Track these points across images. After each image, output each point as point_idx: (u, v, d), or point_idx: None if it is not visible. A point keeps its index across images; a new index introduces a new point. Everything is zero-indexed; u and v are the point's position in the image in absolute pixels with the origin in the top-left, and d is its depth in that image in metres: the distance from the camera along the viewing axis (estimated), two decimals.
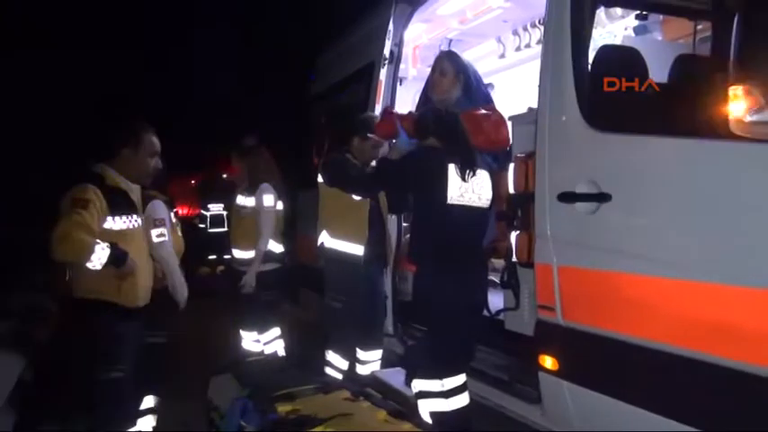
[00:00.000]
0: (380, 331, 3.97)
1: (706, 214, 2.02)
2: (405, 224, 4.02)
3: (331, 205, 3.83)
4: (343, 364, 3.83)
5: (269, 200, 4.46)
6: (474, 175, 2.93)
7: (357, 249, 3.73)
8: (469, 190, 2.93)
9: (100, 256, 2.68)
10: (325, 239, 3.87)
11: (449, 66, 3.44)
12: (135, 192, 3.01)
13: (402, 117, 3.41)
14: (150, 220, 3.25)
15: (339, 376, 3.75)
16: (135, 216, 2.96)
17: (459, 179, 2.89)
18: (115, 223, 2.84)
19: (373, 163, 3.78)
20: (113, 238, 2.79)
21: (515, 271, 3.20)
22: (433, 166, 2.91)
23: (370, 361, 3.93)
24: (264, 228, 4.41)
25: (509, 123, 3.30)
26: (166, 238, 3.33)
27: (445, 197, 2.87)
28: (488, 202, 3.05)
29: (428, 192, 2.92)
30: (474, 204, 2.96)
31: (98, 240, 2.69)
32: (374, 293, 3.86)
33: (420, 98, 4.02)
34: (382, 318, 3.98)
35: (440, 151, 2.97)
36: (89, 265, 2.68)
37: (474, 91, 3.45)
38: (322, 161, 4.04)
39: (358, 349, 3.94)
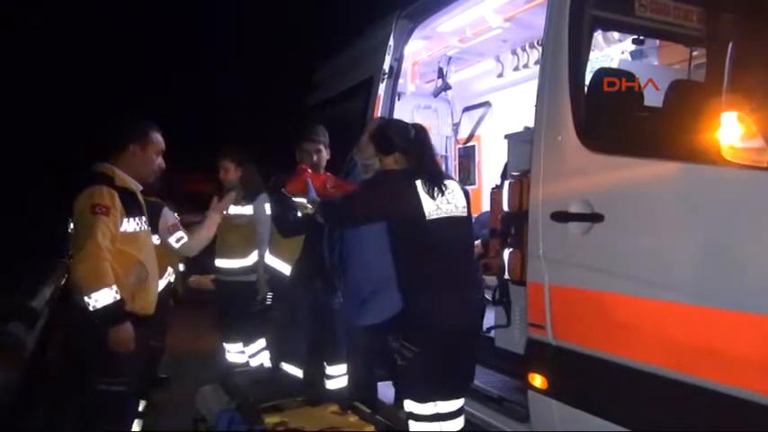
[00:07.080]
0: (338, 345, 3.84)
1: (695, 238, 2.04)
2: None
3: None
4: (298, 372, 3.85)
5: (269, 208, 4.51)
6: (442, 193, 2.73)
7: (285, 268, 3.93)
8: (444, 201, 2.74)
9: (104, 298, 2.58)
10: (266, 256, 4.17)
11: None
12: (139, 193, 2.96)
13: (335, 186, 3.25)
14: (165, 228, 3.30)
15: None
16: (144, 218, 2.92)
17: (428, 196, 2.70)
18: (129, 225, 2.77)
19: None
20: (126, 241, 2.73)
21: (507, 288, 3.22)
22: (402, 187, 2.72)
23: (334, 376, 3.90)
24: (266, 235, 4.44)
25: (505, 142, 3.33)
26: (185, 238, 3.40)
27: (423, 214, 2.67)
28: (466, 210, 2.85)
29: (404, 214, 2.70)
30: (453, 214, 2.75)
31: (114, 285, 2.60)
32: (319, 308, 3.77)
33: (349, 156, 3.67)
34: (336, 332, 3.84)
35: (402, 171, 2.79)
36: (86, 298, 2.56)
37: None
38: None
39: (325, 364, 3.94)
